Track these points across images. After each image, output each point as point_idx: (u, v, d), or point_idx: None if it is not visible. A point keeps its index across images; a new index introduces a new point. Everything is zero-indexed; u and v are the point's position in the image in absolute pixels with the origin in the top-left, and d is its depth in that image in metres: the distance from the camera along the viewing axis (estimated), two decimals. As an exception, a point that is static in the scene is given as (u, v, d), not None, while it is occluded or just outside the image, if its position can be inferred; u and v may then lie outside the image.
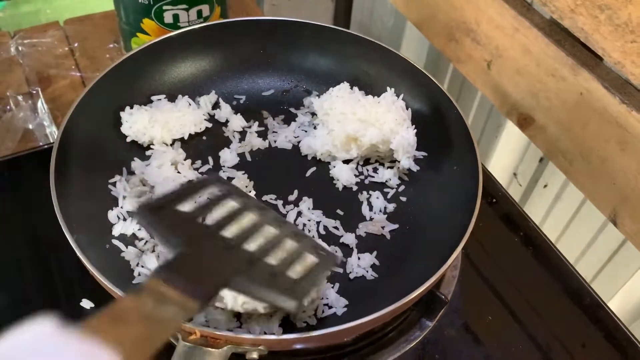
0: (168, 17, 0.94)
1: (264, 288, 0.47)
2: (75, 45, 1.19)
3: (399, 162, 0.80)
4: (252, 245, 0.50)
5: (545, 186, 1.15)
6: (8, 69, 1.14)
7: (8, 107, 1.06)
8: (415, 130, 0.78)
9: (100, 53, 1.18)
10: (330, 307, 0.66)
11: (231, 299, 0.60)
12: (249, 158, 0.83)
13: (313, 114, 0.88)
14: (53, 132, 1.02)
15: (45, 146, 0.90)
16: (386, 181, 0.81)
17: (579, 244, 1.11)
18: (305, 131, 0.86)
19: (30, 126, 1.03)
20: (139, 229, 0.71)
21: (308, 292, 0.57)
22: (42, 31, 1.22)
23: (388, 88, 0.82)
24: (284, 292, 0.48)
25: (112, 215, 0.72)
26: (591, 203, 0.90)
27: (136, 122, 0.77)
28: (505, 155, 1.23)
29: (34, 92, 1.10)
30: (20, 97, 1.08)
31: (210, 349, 0.52)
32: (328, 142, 0.80)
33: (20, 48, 1.17)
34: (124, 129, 0.78)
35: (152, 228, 0.47)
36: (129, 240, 0.70)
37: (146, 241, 0.70)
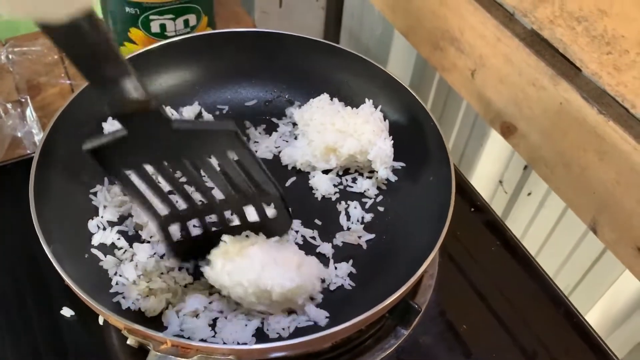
0: (155, 27, 0.95)
1: None
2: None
3: (377, 172, 0.81)
4: None
5: (529, 194, 1.16)
6: (-1, 77, 1.15)
7: (-3, 115, 1.07)
8: (393, 141, 0.79)
9: (90, 61, 1.19)
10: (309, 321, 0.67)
11: (219, 266, 0.63)
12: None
13: (294, 124, 0.89)
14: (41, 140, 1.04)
15: (29, 156, 0.91)
16: (364, 191, 0.82)
17: (562, 251, 1.12)
18: (287, 141, 0.87)
19: (19, 134, 1.04)
20: (118, 238, 0.72)
21: None
22: (33, 39, 1.23)
23: (367, 99, 0.83)
24: None
25: (92, 224, 0.73)
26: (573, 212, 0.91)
27: (118, 133, 0.78)
28: (490, 163, 1.24)
29: (23, 100, 1.11)
30: (9, 105, 1.09)
31: (181, 358, 0.53)
32: (308, 152, 0.81)
33: (10, 56, 1.19)
34: (106, 139, 0.79)
35: None
36: (108, 249, 0.71)
37: (125, 250, 0.71)
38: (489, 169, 1.24)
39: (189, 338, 0.62)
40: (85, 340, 0.70)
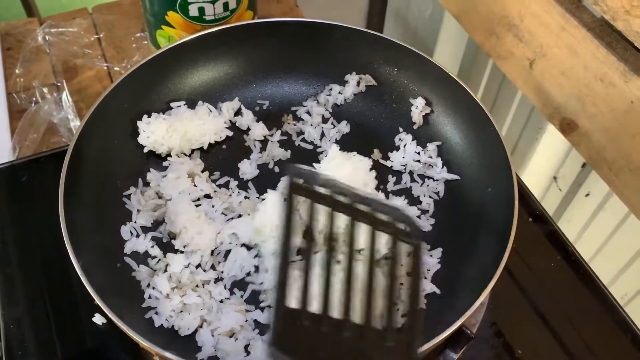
0: (193, 10, 0.90)
1: None
2: (102, 35, 1.17)
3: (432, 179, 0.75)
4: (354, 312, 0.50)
5: (587, 195, 1.08)
6: (36, 58, 1.13)
7: (34, 99, 1.05)
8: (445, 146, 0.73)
9: (126, 42, 1.16)
10: None
11: None
12: (269, 169, 0.79)
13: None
14: (77, 126, 1.01)
15: (63, 148, 0.87)
16: (418, 196, 0.76)
17: (620, 259, 1.05)
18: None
19: (55, 120, 1.02)
20: (152, 246, 0.68)
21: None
22: (69, 19, 1.20)
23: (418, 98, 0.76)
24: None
25: (124, 230, 0.69)
26: (636, 218, 0.84)
27: (154, 132, 0.74)
28: (545, 158, 1.16)
29: (59, 84, 1.08)
30: (45, 89, 1.07)
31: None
32: None
33: (47, 37, 1.15)
34: (141, 139, 0.75)
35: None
36: (141, 258, 0.68)
37: (159, 259, 0.68)
38: (543, 164, 1.17)
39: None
40: (118, 349, 0.68)
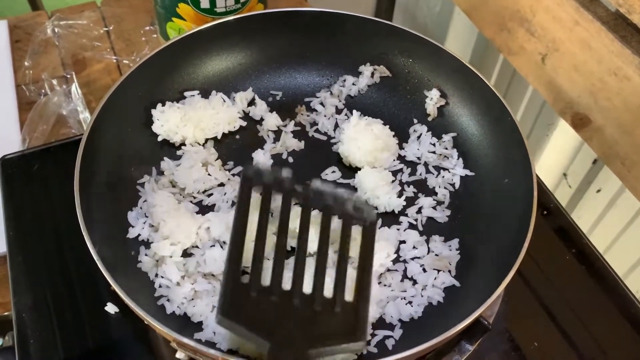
0: (204, 2, 0.90)
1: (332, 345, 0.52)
2: (111, 28, 1.16)
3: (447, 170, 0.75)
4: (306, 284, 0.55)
5: (598, 191, 1.08)
6: (44, 51, 1.12)
7: (43, 91, 1.05)
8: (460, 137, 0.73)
9: (135, 36, 1.15)
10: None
11: None
12: (282, 159, 0.78)
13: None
14: (86, 118, 1.01)
15: (75, 138, 0.87)
16: (433, 187, 0.76)
17: (631, 255, 1.04)
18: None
19: (64, 112, 1.02)
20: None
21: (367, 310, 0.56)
22: (78, 11, 1.20)
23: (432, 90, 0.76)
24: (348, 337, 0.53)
25: (131, 216, 0.68)
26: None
27: (168, 121, 0.74)
28: (555, 154, 1.16)
29: (69, 76, 1.08)
30: (54, 81, 1.06)
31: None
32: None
33: (56, 29, 1.15)
34: (155, 127, 0.75)
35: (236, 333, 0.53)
36: (146, 245, 0.67)
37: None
38: (553, 160, 1.16)
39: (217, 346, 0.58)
40: (131, 339, 0.67)
